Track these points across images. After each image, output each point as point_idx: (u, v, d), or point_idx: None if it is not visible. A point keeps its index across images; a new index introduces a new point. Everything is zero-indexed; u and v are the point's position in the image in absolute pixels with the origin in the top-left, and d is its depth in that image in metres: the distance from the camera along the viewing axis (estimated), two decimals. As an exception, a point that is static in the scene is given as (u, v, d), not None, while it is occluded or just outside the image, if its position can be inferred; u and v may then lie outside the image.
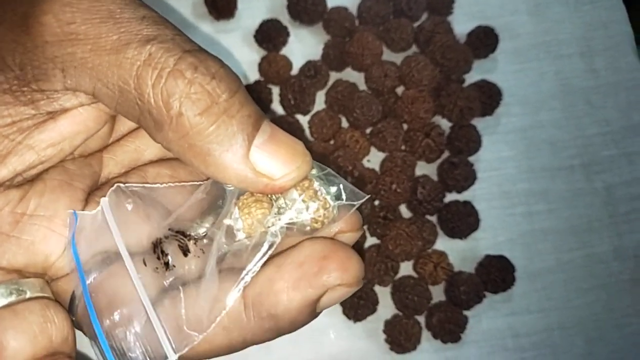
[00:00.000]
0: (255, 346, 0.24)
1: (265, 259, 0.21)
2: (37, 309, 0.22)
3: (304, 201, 0.22)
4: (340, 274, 0.21)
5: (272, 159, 0.21)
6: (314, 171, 0.22)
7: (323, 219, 0.22)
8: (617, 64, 0.55)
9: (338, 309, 0.47)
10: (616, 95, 0.54)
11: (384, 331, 0.47)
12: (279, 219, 0.22)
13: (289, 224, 0.22)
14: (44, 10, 0.21)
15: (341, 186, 0.23)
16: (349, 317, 0.46)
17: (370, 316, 0.47)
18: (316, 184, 0.22)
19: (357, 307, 0.46)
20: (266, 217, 0.22)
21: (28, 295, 0.22)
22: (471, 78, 0.52)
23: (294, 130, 0.49)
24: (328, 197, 0.22)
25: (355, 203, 0.22)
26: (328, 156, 0.48)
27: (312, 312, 0.22)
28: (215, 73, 0.20)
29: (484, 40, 0.52)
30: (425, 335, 0.47)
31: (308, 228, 0.22)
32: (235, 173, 0.21)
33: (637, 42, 0.56)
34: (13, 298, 0.22)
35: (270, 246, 0.21)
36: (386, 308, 0.47)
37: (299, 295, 0.21)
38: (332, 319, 0.47)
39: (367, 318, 0.47)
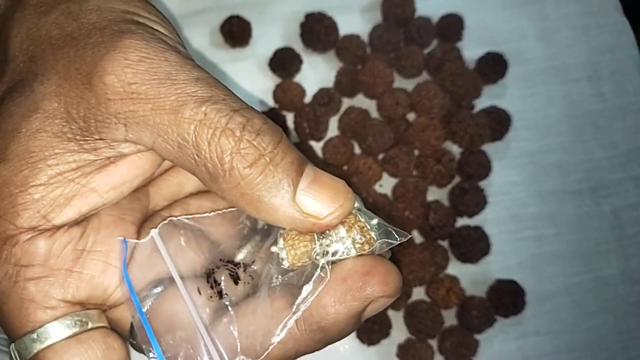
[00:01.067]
0: None
1: (315, 295, 0.23)
2: (99, 337, 0.24)
3: (350, 237, 0.23)
4: (382, 287, 0.23)
5: (317, 200, 0.23)
6: (355, 204, 0.24)
7: (367, 253, 0.23)
8: (624, 87, 0.56)
9: (353, 332, 0.48)
10: (623, 118, 0.55)
11: (397, 355, 0.48)
12: (327, 253, 0.23)
13: (335, 257, 0.23)
14: (107, 71, 0.23)
15: (383, 222, 0.24)
16: (362, 341, 0.48)
17: (383, 340, 0.48)
18: (361, 219, 0.23)
19: (371, 331, 0.47)
20: (308, 250, 0.23)
21: (90, 325, 0.24)
22: (481, 103, 0.53)
23: (309, 157, 0.50)
24: (373, 234, 0.23)
25: (396, 242, 0.24)
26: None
27: (357, 321, 0.24)
28: (260, 129, 0.22)
29: (493, 66, 0.53)
30: (438, 358, 0.48)
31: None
32: (284, 215, 0.23)
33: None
34: (77, 329, 0.24)
35: (321, 282, 0.23)
36: (399, 332, 0.48)
37: (346, 309, 0.23)
38: (346, 343, 0.48)
39: (380, 342, 0.48)
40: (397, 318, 0.49)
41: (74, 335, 0.24)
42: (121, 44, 0.23)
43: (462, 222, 0.51)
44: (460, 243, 0.49)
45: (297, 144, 0.51)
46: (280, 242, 0.24)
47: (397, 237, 0.23)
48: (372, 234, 0.23)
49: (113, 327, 0.26)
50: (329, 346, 0.45)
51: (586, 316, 0.51)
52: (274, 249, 0.24)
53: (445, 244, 0.50)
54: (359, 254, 0.23)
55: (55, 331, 0.24)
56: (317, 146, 0.52)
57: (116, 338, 0.25)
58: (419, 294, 0.49)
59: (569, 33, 0.57)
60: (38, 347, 0.23)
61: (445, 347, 0.47)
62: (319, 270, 0.23)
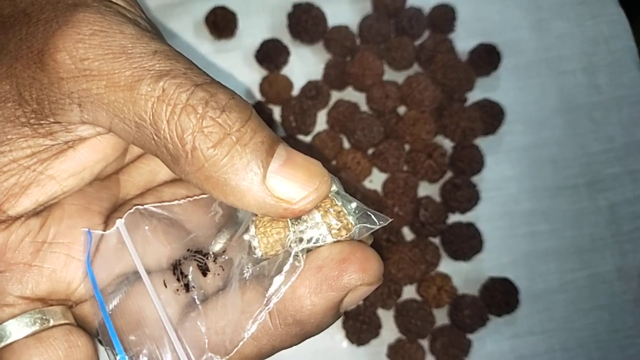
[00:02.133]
0: None
1: (288, 286, 0.21)
2: (60, 335, 0.23)
3: (326, 223, 0.21)
4: (360, 275, 0.21)
5: (290, 183, 0.21)
6: (333, 187, 0.22)
7: (344, 239, 0.22)
8: (620, 79, 0.55)
9: (341, 333, 0.47)
10: (619, 111, 0.54)
11: (388, 355, 0.47)
12: (301, 240, 0.22)
13: (310, 244, 0.22)
14: (57, 48, 0.21)
15: (362, 205, 0.22)
16: (352, 342, 0.46)
17: (373, 340, 0.46)
18: (337, 202, 0.22)
19: (360, 331, 0.46)
20: (281, 237, 0.22)
21: (52, 323, 0.23)
22: (474, 96, 0.52)
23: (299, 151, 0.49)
24: (350, 218, 0.22)
25: (376, 226, 0.22)
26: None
27: (336, 313, 0.22)
28: (226, 105, 0.21)
29: (486, 58, 0.52)
30: (429, 359, 0.47)
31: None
32: (254, 200, 0.21)
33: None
34: (37, 327, 0.22)
35: (294, 271, 0.21)
36: (389, 332, 0.47)
37: (322, 300, 0.21)
38: (335, 344, 0.47)
39: (370, 342, 0.46)
40: (387, 317, 0.47)
41: (34, 333, 0.22)
42: (74, 18, 0.21)
43: (454, 218, 0.50)
44: (452, 240, 0.48)
45: (284, 139, 0.50)
46: (252, 229, 0.22)
47: (376, 221, 0.22)
48: (350, 218, 0.21)
49: (81, 324, 0.24)
50: (319, 346, 0.43)
51: (581, 314, 0.49)
52: (245, 237, 0.22)
53: (436, 241, 0.49)
54: (335, 240, 0.21)
55: (14, 329, 0.22)
56: (305, 140, 0.51)
57: (81, 335, 0.23)
58: (409, 292, 0.48)
59: (563, 24, 0.55)
60: None
61: (436, 348, 0.46)
62: (291, 259, 0.21)
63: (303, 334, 0.22)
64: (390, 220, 0.22)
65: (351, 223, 0.21)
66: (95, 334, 0.24)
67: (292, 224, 0.22)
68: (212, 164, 0.20)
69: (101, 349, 0.24)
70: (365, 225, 0.22)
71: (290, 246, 0.22)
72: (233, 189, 0.21)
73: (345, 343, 0.47)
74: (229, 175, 0.20)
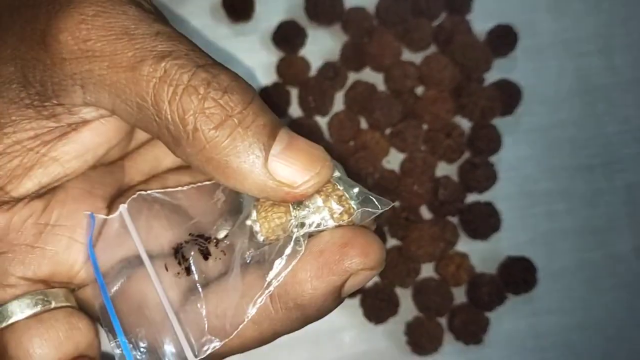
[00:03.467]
0: (276, 347, 0.24)
1: (289, 270, 0.21)
2: (61, 317, 0.23)
3: (327, 207, 0.22)
4: (362, 259, 0.21)
5: (291, 167, 0.21)
6: (336, 173, 0.22)
7: (347, 224, 0.22)
8: (637, 60, 0.54)
9: (359, 310, 0.47)
10: (636, 92, 0.54)
11: (406, 333, 0.47)
12: (303, 225, 0.22)
13: (311, 229, 0.22)
14: (60, 28, 0.21)
15: (364, 190, 0.22)
16: (370, 320, 0.47)
17: (391, 318, 0.47)
18: (339, 187, 0.22)
19: (379, 309, 0.46)
20: (283, 222, 0.22)
21: (53, 305, 0.23)
22: (491, 77, 0.52)
23: (314, 132, 0.49)
24: (352, 202, 0.22)
25: (378, 211, 0.22)
26: (348, 158, 0.48)
27: (337, 298, 0.22)
28: (228, 86, 0.21)
29: (504, 39, 0.52)
30: (447, 337, 0.47)
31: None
32: (255, 183, 0.21)
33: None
34: (39, 308, 0.23)
35: (295, 255, 0.21)
36: (408, 310, 0.47)
37: (323, 284, 0.21)
38: (353, 321, 0.47)
39: (388, 320, 0.47)
40: (405, 296, 0.48)
41: (35, 314, 0.23)
42: None
43: (472, 198, 0.50)
44: (470, 219, 0.48)
45: (302, 119, 0.50)
46: (254, 213, 0.22)
47: (378, 205, 0.22)
48: (352, 203, 0.22)
49: (83, 307, 0.25)
50: (335, 324, 0.44)
51: (599, 293, 0.50)
52: (247, 222, 0.23)
53: (455, 220, 0.49)
54: (337, 224, 0.22)
55: (15, 310, 0.22)
56: (322, 121, 0.51)
57: (82, 318, 0.24)
58: (428, 271, 0.48)
59: (580, 5, 0.55)
60: None
61: (455, 325, 0.46)
62: (292, 243, 0.21)
63: (304, 318, 0.22)
64: (393, 204, 0.22)
65: (353, 207, 0.22)
66: (97, 318, 0.24)
67: (294, 208, 0.22)
68: (214, 145, 0.20)
69: (102, 332, 0.24)
70: (367, 209, 0.22)
71: (292, 231, 0.22)
72: (234, 172, 0.21)
73: (363, 320, 0.47)
74: (231, 157, 0.20)
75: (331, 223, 0.22)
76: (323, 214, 0.22)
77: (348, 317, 0.48)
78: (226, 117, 0.20)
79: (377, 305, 0.46)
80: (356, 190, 0.22)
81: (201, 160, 0.21)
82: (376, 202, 0.22)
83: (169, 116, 0.20)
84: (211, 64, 0.21)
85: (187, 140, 0.20)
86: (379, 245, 0.22)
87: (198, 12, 0.53)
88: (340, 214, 0.22)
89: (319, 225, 0.22)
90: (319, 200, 0.22)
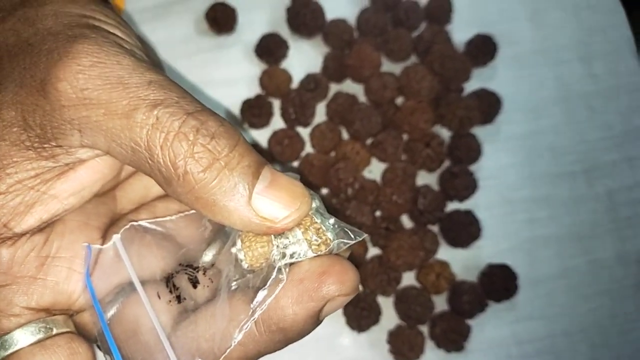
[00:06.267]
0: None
1: (272, 297, 0.23)
2: (63, 342, 0.24)
3: (306, 239, 0.23)
4: (338, 287, 0.23)
5: (273, 204, 0.23)
6: (313, 204, 0.24)
7: (324, 254, 0.24)
8: (617, 68, 0.55)
9: (342, 319, 0.48)
10: (617, 99, 0.54)
11: (388, 341, 0.47)
12: (284, 255, 0.23)
13: (292, 259, 0.24)
14: (59, 77, 0.23)
15: (340, 222, 0.24)
16: (352, 328, 0.47)
17: (373, 327, 0.47)
18: (317, 220, 0.24)
19: (361, 317, 0.46)
20: (266, 250, 0.24)
21: (55, 331, 0.25)
22: (471, 86, 0.53)
23: (295, 143, 0.50)
24: (329, 234, 0.23)
25: (352, 242, 0.24)
26: (329, 168, 0.48)
27: (315, 321, 0.24)
28: (215, 132, 0.22)
29: (483, 49, 0.53)
30: (429, 345, 0.47)
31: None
32: (240, 219, 0.23)
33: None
34: (41, 335, 0.24)
35: (278, 284, 0.23)
36: (390, 318, 0.48)
37: (303, 309, 0.23)
38: (336, 329, 0.48)
39: (370, 329, 0.47)
40: (387, 304, 0.48)
41: (39, 341, 0.24)
42: (74, 49, 0.23)
43: (452, 206, 0.50)
44: (450, 227, 0.48)
45: (284, 130, 0.50)
46: (239, 243, 0.24)
47: (352, 236, 0.24)
48: (329, 234, 0.23)
49: (81, 331, 0.26)
50: (320, 334, 0.44)
51: (582, 300, 0.50)
52: (232, 250, 0.24)
53: (435, 229, 0.49)
54: (316, 254, 0.23)
55: (20, 338, 0.24)
56: (304, 133, 0.52)
57: (81, 342, 0.25)
58: (409, 279, 0.49)
59: (559, 14, 0.56)
60: (2, 354, 0.24)
61: (436, 333, 0.47)
62: (275, 272, 0.23)
63: (286, 340, 0.24)
64: (365, 235, 0.24)
65: (330, 239, 0.23)
66: (94, 341, 0.26)
67: (276, 237, 0.23)
68: (202, 186, 0.22)
69: (99, 354, 0.26)
70: (342, 240, 0.24)
71: (274, 261, 0.23)
72: (221, 209, 0.22)
73: (346, 330, 0.48)
74: (218, 196, 0.22)
75: (310, 253, 0.23)
76: (302, 245, 0.23)
77: (331, 326, 0.48)
78: (214, 160, 0.22)
79: (359, 314, 0.47)
80: (332, 221, 0.24)
81: (190, 199, 0.22)
82: (350, 234, 0.24)
83: (161, 160, 0.22)
84: (200, 111, 0.23)
85: (177, 181, 0.22)
86: (353, 273, 0.23)
87: (182, 24, 0.54)
88: (318, 245, 0.23)
89: (299, 255, 0.23)
90: (298, 233, 0.23)
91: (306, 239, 0.23)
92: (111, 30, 0.26)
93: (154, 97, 0.22)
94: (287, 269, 0.23)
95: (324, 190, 0.49)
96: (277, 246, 0.23)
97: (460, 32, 0.54)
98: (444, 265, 0.48)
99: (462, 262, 0.49)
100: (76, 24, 0.25)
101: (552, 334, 0.49)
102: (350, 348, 0.48)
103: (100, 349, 0.25)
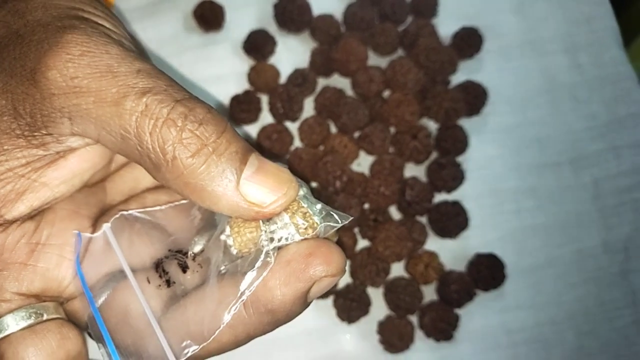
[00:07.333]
0: (253, 350, 0.25)
1: (260, 280, 0.23)
2: (53, 328, 0.25)
3: (294, 223, 0.24)
4: (325, 267, 0.23)
5: (261, 189, 0.23)
6: (300, 191, 0.24)
7: (311, 237, 0.24)
8: (602, 58, 0.55)
9: (332, 311, 0.48)
10: (602, 89, 0.55)
11: (378, 332, 0.48)
12: (272, 239, 0.24)
13: (280, 243, 0.24)
14: (49, 66, 0.23)
15: (326, 206, 0.25)
16: (342, 319, 0.48)
17: (363, 318, 0.48)
18: (304, 205, 0.24)
19: (350, 309, 0.47)
20: (254, 236, 0.24)
21: (45, 317, 0.25)
22: (457, 79, 0.53)
23: (284, 137, 0.50)
24: (315, 218, 0.24)
25: (338, 224, 0.24)
26: (318, 162, 0.49)
27: (304, 302, 0.24)
28: (203, 119, 0.23)
29: (469, 41, 0.53)
30: (419, 334, 0.48)
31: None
32: (228, 204, 0.23)
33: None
34: (32, 320, 0.25)
35: (266, 267, 0.24)
36: (379, 309, 0.48)
37: (291, 290, 0.23)
38: (326, 321, 0.48)
39: (360, 320, 0.48)
40: (376, 295, 0.48)
41: (29, 326, 0.25)
42: (63, 39, 0.24)
43: (440, 197, 0.51)
44: (438, 218, 0.49)
45: (272, 125, 0.51)
46: (227, 229, 0.24)
47: (339, 219, 0.24)
48: (315, 218, 0.24)
49: (71, 318, 0.27)
50: (310, 325, 0.45)
51: (569, 288, 0.50)
52: (222, 237, 0.25)
53: (423, 220, 0.50)
54: (303, 238, 0.24)
55: (11, 323, 0.24)
56: (292, 127, 0.52)
57: (72, 328, 0.26)
58: (398, 270, 0.49)
59: (544, 5, 0.56)
60: None
61: (425, 323, 0.47)
62: (263, 256, 0.24)
63: (275, 322, 0.24)
64: (352, 217, 0.25)
65: (316, 222, 0.24)
66: (84, 328, 0.26)
67: (264, 223, 0.24)
68: (191, 171, 0.22)
69: (90, 341, 0.26)
70: (329, 223, 0.24)
71: (262, 244, 0.24)
72: (209, 194, 0.23)
73: (336, 321, 0.48)
74: (206, 181, 0.23)
75: (297, 237, 0.24)
76: (290, 229, 0.24)
77: (321, 317, 0.48)
78: (202, 146, 0.22)
79: (348, 305, 0.47)
80: (319, 206, 0.24)
81: (179, 185, 0.23)
82: (337, 217, 0.24)
83: (150, 146, 0.22)
84: (188, 98, 0.23)
85: (166, 167, 0.23)
86: (340, 254, 0.24)
87: (170, 22, 0.55)
88: (305, 228, 0.24)
89: (286, 239, 0.24)
90: (286, 217, 0.24)
91: (293, 223, 0.24)
92: (99, 22, 0.26)
93: (143, 85, 0.23)
94: (275, 253, 0.24)
95: (313, 184, 0.50)
96: (265, 231, 0.24)
97: (446, 25, 0.54)
98: (433, 255, 0.48)
99: (451, 252, 0.50)
100: (65, 15, 0.25)
101: (540, 322, 0.50)
102: (341, 340, 0.48)
103: (91, 337, 0.26)
